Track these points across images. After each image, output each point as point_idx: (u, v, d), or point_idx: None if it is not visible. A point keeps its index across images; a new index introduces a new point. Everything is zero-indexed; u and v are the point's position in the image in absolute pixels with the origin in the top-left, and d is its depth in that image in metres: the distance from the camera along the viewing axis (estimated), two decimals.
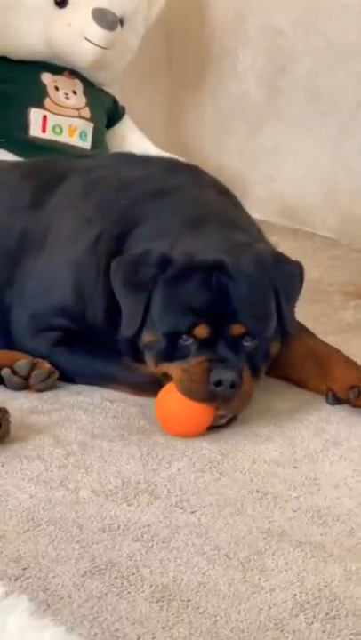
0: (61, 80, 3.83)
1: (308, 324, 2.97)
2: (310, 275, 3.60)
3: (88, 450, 2.31)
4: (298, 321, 2.73)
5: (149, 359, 2.44)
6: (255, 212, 4.51)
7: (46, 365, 2.57)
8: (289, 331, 2.51)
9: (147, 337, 2.42)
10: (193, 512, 2.08)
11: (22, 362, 2.55)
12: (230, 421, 2.41)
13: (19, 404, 2.50)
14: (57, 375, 2.58)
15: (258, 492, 2.17)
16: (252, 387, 2.42)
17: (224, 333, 2.35)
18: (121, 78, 4.24)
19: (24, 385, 2.55)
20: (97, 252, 2.55)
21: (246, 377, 2.36)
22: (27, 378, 2.55)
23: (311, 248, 4.13)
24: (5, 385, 2.56)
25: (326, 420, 2.51)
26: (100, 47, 3.77)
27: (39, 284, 2.63)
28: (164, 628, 1.71)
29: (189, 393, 2.33)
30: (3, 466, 2.20)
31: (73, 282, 2.58)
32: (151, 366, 2.44)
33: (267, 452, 2.34)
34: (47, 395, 2.57)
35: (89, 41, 3.77)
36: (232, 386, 2.30)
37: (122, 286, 2.44)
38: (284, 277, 2.47)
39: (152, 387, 2.44)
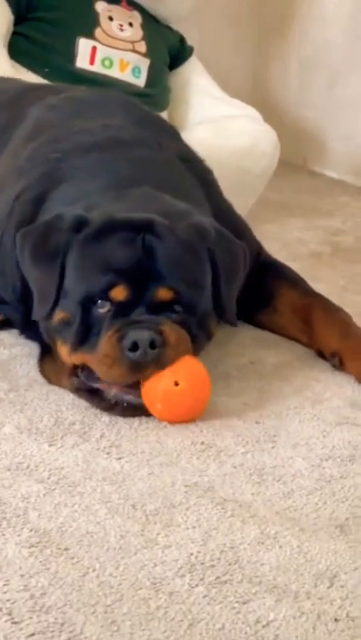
0: (117, 10, 3.57)
1: (342, 281, 2.75)
2: None
3: (35, 387, 2.13)
4: (289, 267, 2.50)
5: (62, 348, 2.05)
6: (332, 171, 4.27)
7: None
8: (229, 320, 2.17)
9: (58, 315, 2.03)
10: (119, 459, 1.88)
11: None
12: None
13: None
14: (0, 318, 2.34)
15: (202, 444, 1.95)
16: (186, 340, 2.02)
17: (146, 298, 2.00)
18: (204, 22, 4.01)
19: None
20: (12, 217, 2.20)
21: (172, 330, 1.98)
22: None
23: None
24: None
25: (316, 377, 2.27)
26: None
27: None
28: (22, 576, 1.52)
29: (111, 377, 1.97)
30: None
31: None
32: (65, 356, 2.05)
33: (233, 405, 2.11)
34: None
35: None
36: (152, 345, 1.95)
37: (30, 260, 2.06)
38: (225, 255, 2.12)
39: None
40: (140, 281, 2.00)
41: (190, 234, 2.07)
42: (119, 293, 1.99)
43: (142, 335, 1.94)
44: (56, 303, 2.03)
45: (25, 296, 2.16)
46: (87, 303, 2.00)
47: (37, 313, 2.07)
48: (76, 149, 2.26)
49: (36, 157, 2.30)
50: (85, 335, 2.01)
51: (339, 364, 2.26)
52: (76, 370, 2.05)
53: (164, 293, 2.01)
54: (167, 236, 2.03)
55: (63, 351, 2.05)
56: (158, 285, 2.00)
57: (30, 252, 2.07)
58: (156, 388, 1.96)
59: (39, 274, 2.06)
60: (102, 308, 2.00)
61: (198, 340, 2.07)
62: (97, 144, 2.27)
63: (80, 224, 2.03)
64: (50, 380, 2.13)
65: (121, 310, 1.99)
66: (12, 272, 2.19)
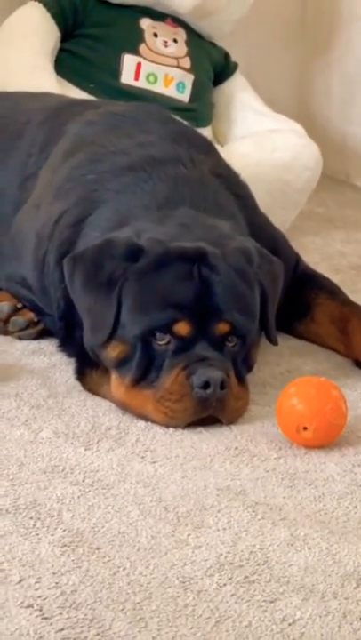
0: (162, 27, 3.60)
1: None
2: None
3: (74, 394, 2.17)
4: (327, 278, 2.53)
5: (118, 382, 2.06)
6: None
7: (29, 314, 2.39)
8: (272, 342, 2.21)
9: (113, 350, 2.05)
10: (153, 462, 1.91)
11: (3, 304, 2.39)
12: None
13: (23, 344, 2.38)
14: (40, 327, 2.39)
15: (236, 449, 1.98)
16: (245, 394, 2.09)
17: (206, 333, 2.02)
18: (249, 38, 4.05)
19: (3, 329, 2.39)
20: (53, 240, 2.24)
21: (233, 381, 2.03)
22: (6, 322, 2.39)
23: None
24: None
25: (352, 386, 2.28)
26: None
27: (13, 243, 2.40)
28: (54, 574, 1.56)
29: (176, 419, 2.00)
30: None
31: (33, 256, 2.30)
32: (119, 391, 2.06)
33: (268, 412, 2.13)
34: None
35: None
36: (222, 386, 1.97)
37: (83, 288, 2.06)
38: (269, 276, 2.15)
39: None
40: (199, 315, 2.02)
41: (239, 260, 2.09)
42: (182, 329, 2.01)
43: (215, 374, 1.96)
44: (112, 334, 2.04)
45: (66, 314, 2.20)
46: (147, 336, 2.01)
47: (91, 341, 2.08)
48: (112, 171, 2.29)
49: (74, 178, 2.32)
50: (146, 370, 2.02)
51: None
52: None
53: (223, 327, 2.04)
54: (220, 265, 2.05)
55: (118, 386, 2.06)
56: (216, 321, 2.03)
57: (82, 280, 2.07)
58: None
59: (93, 302, 2.06)
60: (162, 341, 2.01)
61: (242, 376, 2.10)
62: (132, 165, 2.29)
63: (134, 252, 2.03)
64: (97, 393, 2.15)
65: (183, 345, 2.01)
66: (55, 291, 2.23)
